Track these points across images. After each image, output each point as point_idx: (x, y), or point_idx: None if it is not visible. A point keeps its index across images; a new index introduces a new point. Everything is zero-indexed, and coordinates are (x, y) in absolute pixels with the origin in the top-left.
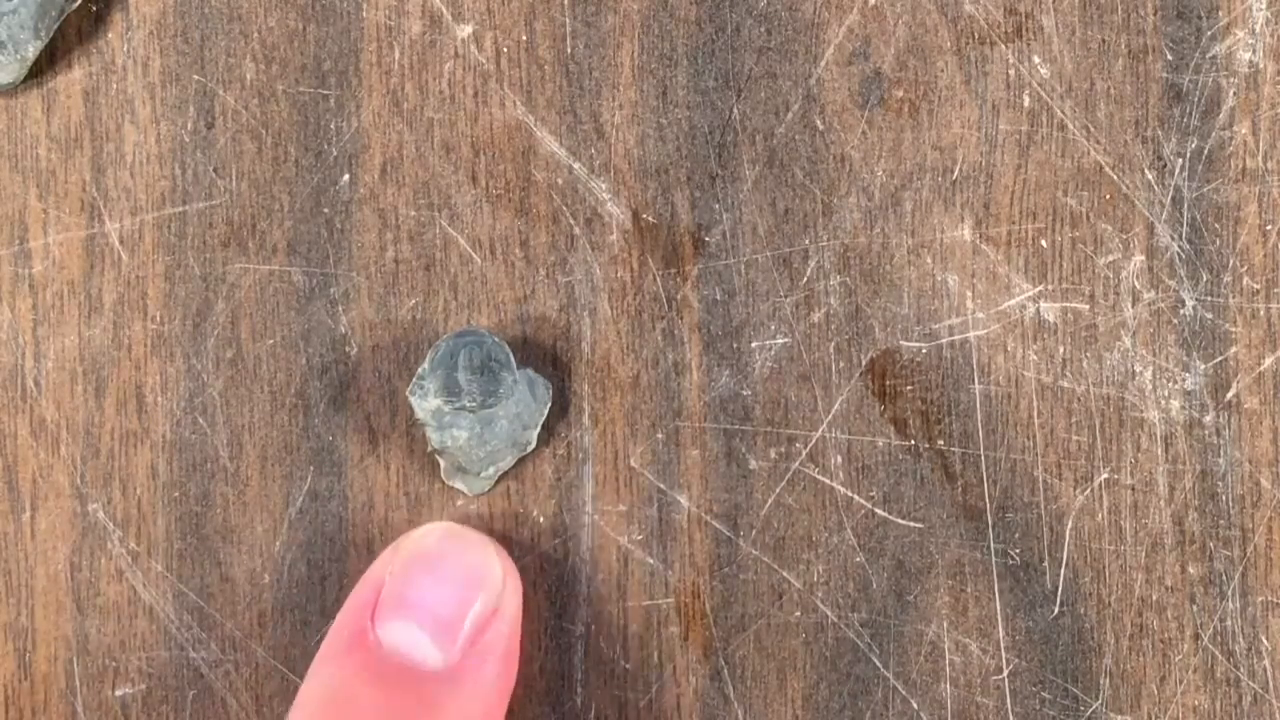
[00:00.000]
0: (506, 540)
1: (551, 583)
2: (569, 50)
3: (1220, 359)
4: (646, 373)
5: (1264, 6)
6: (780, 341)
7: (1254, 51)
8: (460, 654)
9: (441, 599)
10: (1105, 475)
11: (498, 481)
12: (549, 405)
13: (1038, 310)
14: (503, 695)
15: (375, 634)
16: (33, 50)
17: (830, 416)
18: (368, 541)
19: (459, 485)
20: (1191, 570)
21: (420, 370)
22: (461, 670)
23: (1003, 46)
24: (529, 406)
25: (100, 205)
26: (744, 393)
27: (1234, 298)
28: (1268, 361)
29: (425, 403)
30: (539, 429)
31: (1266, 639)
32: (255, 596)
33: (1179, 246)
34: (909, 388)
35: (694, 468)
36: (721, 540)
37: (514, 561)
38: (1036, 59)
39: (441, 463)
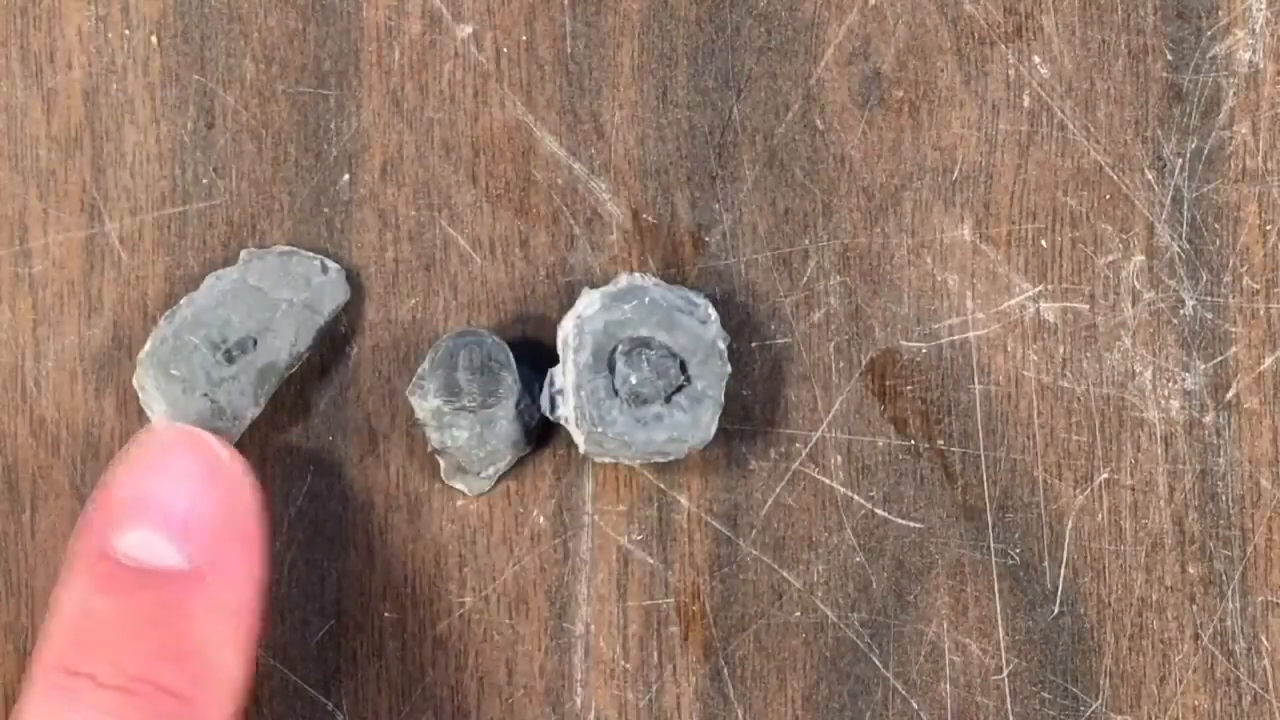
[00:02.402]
0: (506, 540)
1: (551, 583)
2: (569, 50)
3: (1220, 359)
4: None
5: (1264, 6)
6: (780, 341)
7: (1254, 51)
8: (201, 549)
9: (175, 495)
10: (1105, 475)
11: (498, 481)
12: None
13: (1038, 310)
14: (255, 586)
15: (111, 544)
16: (250, 416)
17: (830, 416)
18: (368, 541)
19: (459, 485)
20: (1191, 570)
21: (420, 370)
22: (205, 566)
23: (1003, 46)
24: (529, 406)
25: (100, 205)
26: (744, 393)
27: (1234, 298)
28: (1268, 361)
29: (425, 403)
30: (539, 428)
31: (1266, 639)
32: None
33: (1179, 246)
34: (909, 388)
35: (694, 468)
36: (721, 540)
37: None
38: (1036, 59)
39: (441, 463)
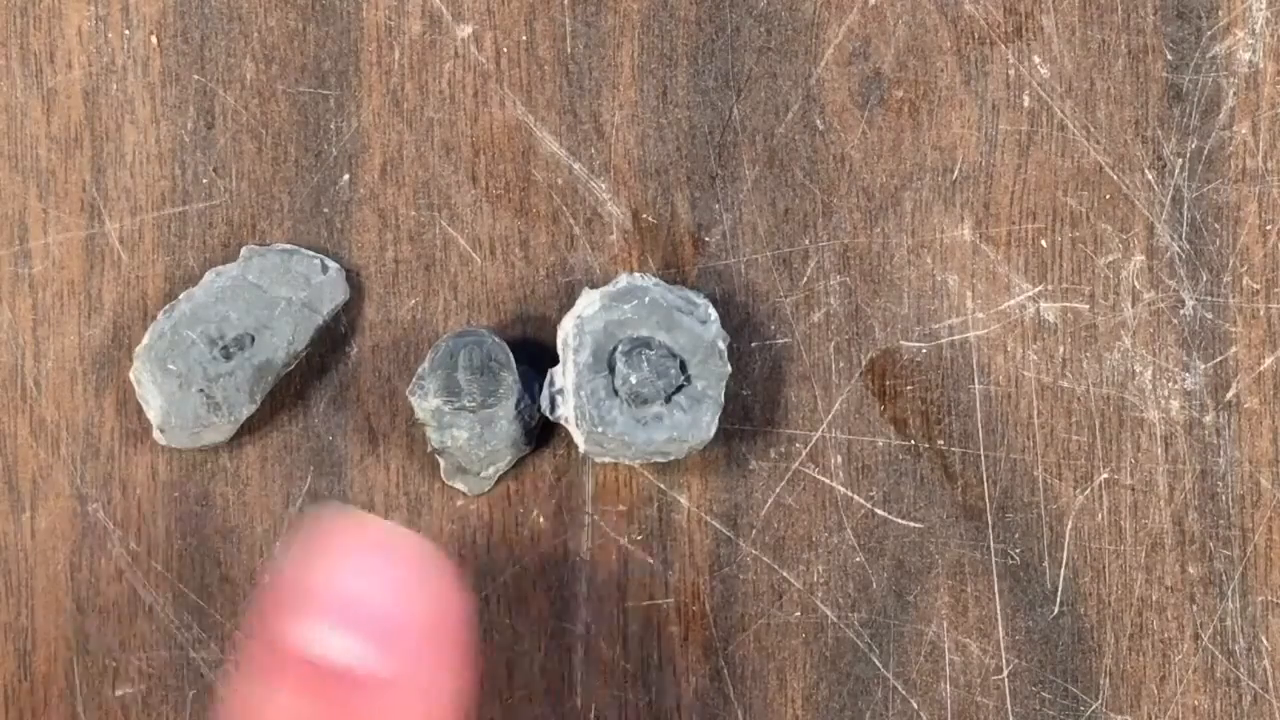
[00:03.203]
0: (506, 540)
1: (551, 583)
2: (569, 50)
3: (1220, 359)
4: None
5: (1264, 6)
6: (780, 341)
7: (1254, 51)
8: (397, 654)
9: (371, 595)
10: (1105, 475)
11: (498, 481)
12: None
13: (1038, 310)
14: (451, 697)
15: (301, 642)
16: (245, 413)
17: (830, 416)
18: None
19: (459, 485)
20: (1191, 570)
21: (420, 370)
22: (400, 672)
23: (1003, 46)
24: (529, 406)
25: (100, 205)
26: (744, 393)
27: (1234, 298)
28: (1268, 361)
29: (425, 403)
30: (539, 428)
31: (1266, 639)
32: (255, 597)
33: (1179, 246)
34: (909, 388)
35: (694, 468)
36: (721, 540)
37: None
38: (1036, 59)
39: (441, 463)
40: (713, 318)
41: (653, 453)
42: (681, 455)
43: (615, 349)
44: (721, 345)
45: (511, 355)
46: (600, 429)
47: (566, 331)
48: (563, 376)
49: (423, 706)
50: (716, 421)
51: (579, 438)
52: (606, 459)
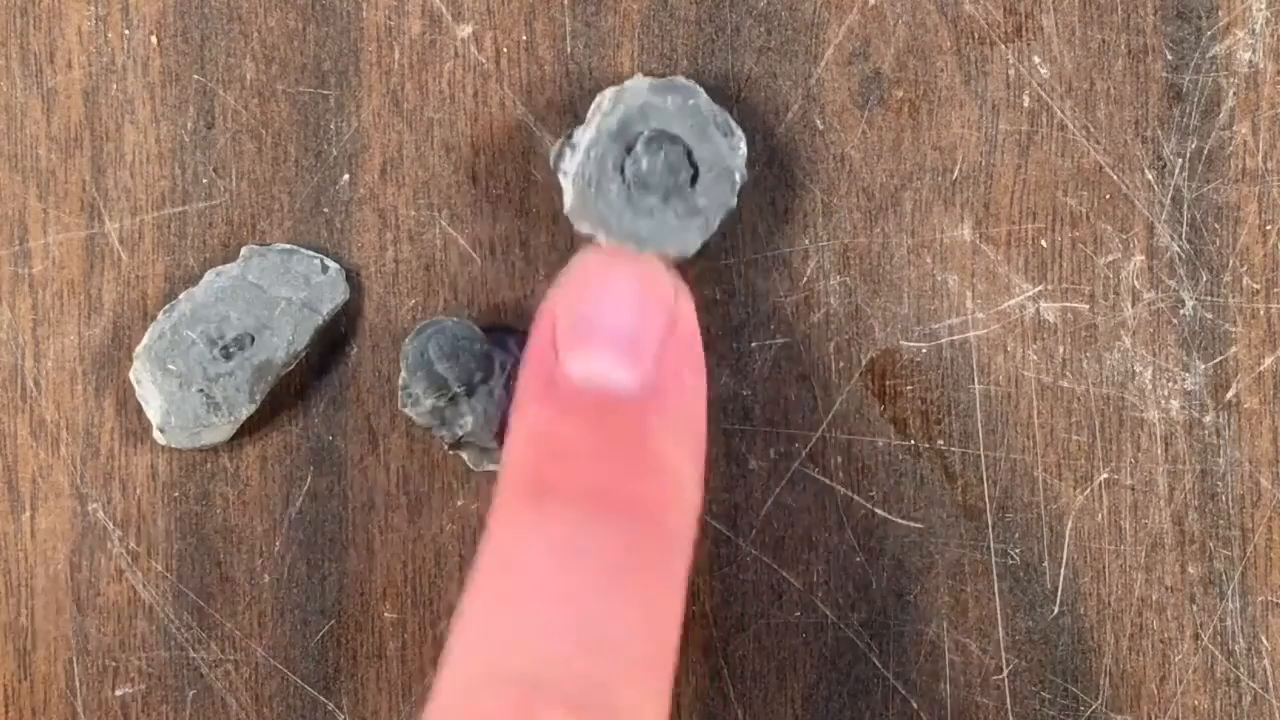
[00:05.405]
0: None
1: None
2: (569, 50)
3: (1220, 359)
4: None
5: (1264, 6)
6: (780, 341)
7: (1254, 51)
8: (654, 369)
9: (620, 318)
10: (1105, 475)
11: None
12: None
13: (1038, 310)
14: (703, 404)
15: (563, 369)
16: (245, 413)
17: (830, 416)
18: (368, 541)
19: (492, 467)
20: (1191, 570)
21: (401, 380)
22: (658, 385)
23: (1003, 46)
24: (517, 364)
25: (100, 205)
26: (744, 393)
27: (1234, 298)
28: (1268, 361)
29: (419, 407)
30: None
31: (1266, 639)
32: (255, 596)
33: (1179, 246)
34: (909, 388)
35: None
36: (721, 540)
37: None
38: (1036, 59)
39: (465, 456)
40: (742, 150)
41: (626, 238)
42: (653, 255)
43: (641, 133)
44: (738, 178)
45: (476, 328)
46: (592, 190)
47: (604, 96)
48: (581, 133)
49: (681, 415)
50: (701, 243)
51: (569, 195)
52: (584, 229)
